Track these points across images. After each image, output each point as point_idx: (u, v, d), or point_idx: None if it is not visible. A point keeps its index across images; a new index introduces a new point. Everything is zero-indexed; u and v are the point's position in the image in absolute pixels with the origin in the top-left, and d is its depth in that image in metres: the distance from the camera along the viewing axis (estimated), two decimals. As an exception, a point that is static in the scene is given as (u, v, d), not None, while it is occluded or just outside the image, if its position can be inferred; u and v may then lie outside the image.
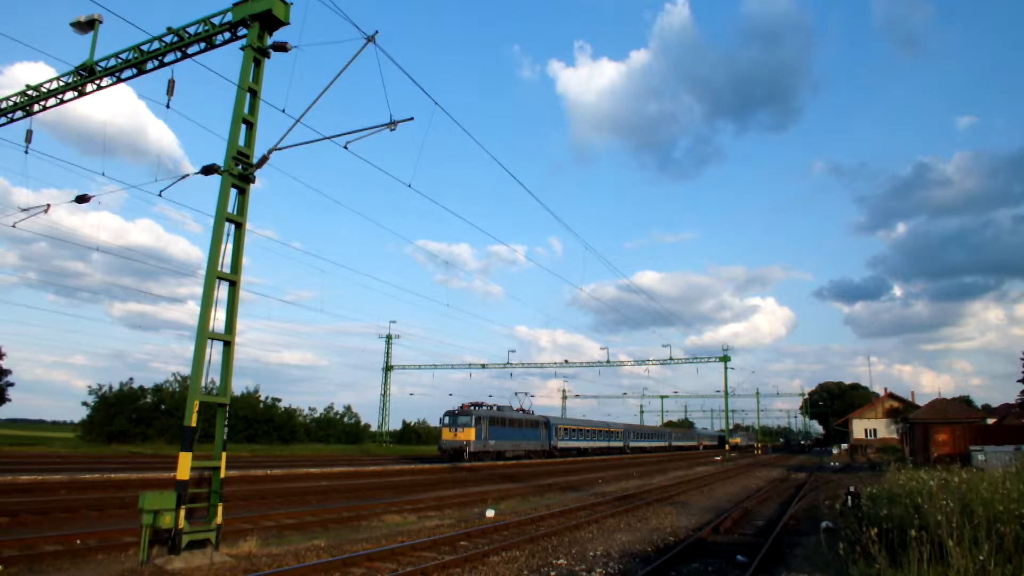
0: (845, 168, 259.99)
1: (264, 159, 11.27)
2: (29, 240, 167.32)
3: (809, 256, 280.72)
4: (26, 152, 14.90)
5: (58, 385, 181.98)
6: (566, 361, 69.50)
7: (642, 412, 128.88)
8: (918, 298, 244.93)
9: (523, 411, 52.29)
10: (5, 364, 51.83)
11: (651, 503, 19.87)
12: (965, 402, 75.90)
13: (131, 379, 60.62)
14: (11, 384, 53.02)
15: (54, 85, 13.82)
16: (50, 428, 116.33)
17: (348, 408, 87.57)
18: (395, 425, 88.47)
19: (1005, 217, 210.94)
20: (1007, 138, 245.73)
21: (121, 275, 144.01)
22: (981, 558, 6.19)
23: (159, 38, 12.16)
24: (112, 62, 12.88)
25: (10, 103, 14.47)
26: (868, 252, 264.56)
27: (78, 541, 10.88)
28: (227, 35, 11.57)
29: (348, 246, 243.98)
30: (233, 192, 10.86)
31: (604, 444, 66.43)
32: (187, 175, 12.45)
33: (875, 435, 75.03)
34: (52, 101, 14.08)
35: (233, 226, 10.86)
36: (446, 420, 42.84)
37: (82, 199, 14.69)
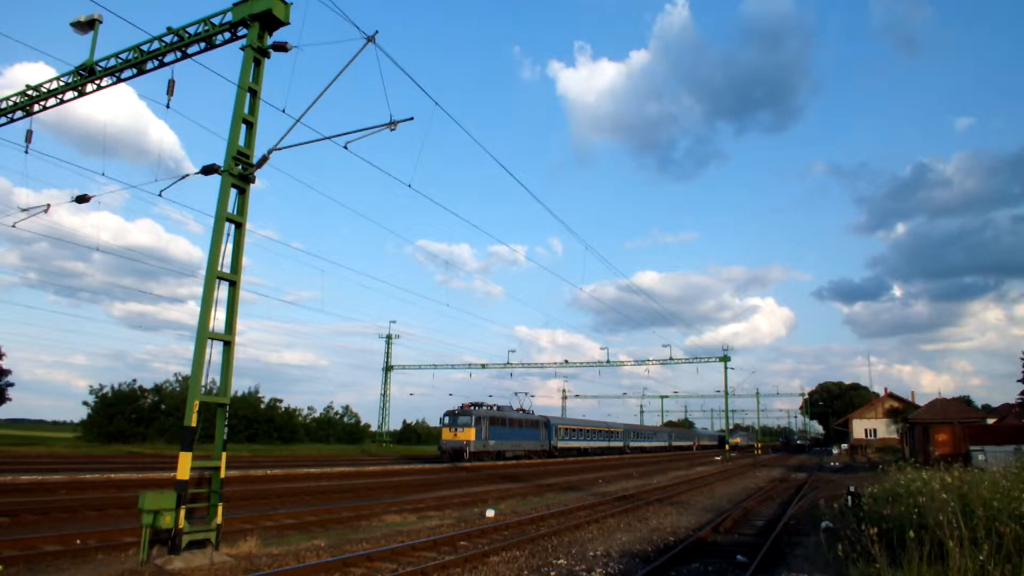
0: (845, 168, 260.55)
1: (264, 159, 11.27)
2: (29, 240, 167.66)
3: (809, 256, 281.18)
4: (26, 152, 14.91)
5: (58, 385, 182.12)
6: (566, 361, 69.53)
7: (642, 412, 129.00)
8: (918, 298, 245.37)
9: (523, 411, 52.29)
10: (5, 364, 51.93)
11: (651, 503, 19.86)
12: (965, 402, 75.89)
13: (133, 380, 60.68)
14: (11, 384, 53.11)
15: (54, 85, 13.81)
16: (50, 428, 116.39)
17: (348, 408, 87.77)
18: (395, 425, 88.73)
19: (1004, 217, 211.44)
20: (1006, 138, 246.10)
21: (121, 275, 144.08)
22: (981, 558, 6.19)
23: (159, 38, 12.15)
24: (112, 62, 12.87)
25: (10, 103, 14.46)
26: (868, 252, 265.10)
27: (78, 541, 10.88)
28: (227, 35, 11.57)
29: (348, 246, 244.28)
30: (233, 192, 10.86)
31: (604, 444, 66.43)
32: (187, 175, 12.46)
33: (875, 435, 75.03)
34: (52, 101, 14.07)
35: (233, 226, 10.85)
36: (446, 420, 42.84)
37: (82, 199, 14.68)
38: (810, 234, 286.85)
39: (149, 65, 12.58)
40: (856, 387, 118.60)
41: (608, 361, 65.92)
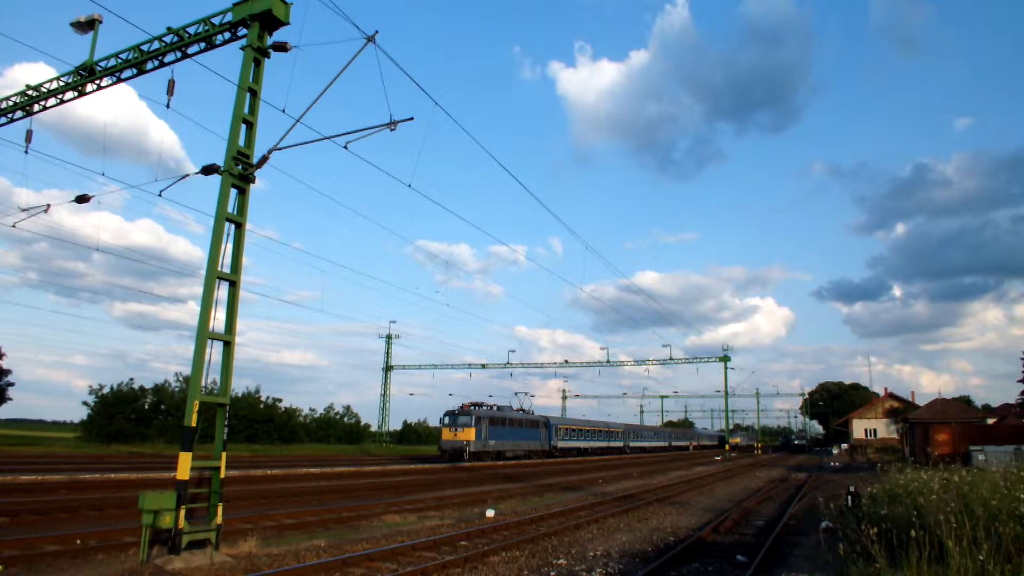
0: (844, 168, 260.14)
1: (264, 159, 11.27)
2: (30, 240, 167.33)
3: (809, 256, 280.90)
4: (26, 152, 14.91)
5: (58, 385, 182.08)
6: (566, 361, 69.62)
7: (642, 412, 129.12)
8: (917, 298, 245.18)
9: (523, 411, 52.30)
10: (5, 364, 51.88)
11: (651, 503, 19.87)
12: (965, 402, 75.99)
13: (131, 379, 60.65)
14: (11, 384, 53.07)
15: (54, 85, 13.81)
16: (50, 428, 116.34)
17: (348, 408, 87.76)
18: (395, 425, 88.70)
19: (1004, 217, 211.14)
20: (1006, 138, 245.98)
21: (122, 275, 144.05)
22: (980, 558, 6.19)
23: (159, 38, 12.15)
24: (112, 62, 12.88)
25: (10, 103, 14.47)
26: (867, 252, 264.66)
27: (78, 541, 10.88)
28: (227, 35, 11.57)
29: (348, 246, 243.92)
30: (233, 192, 10.86)
31: (604, 444, 66.45)
32: (187, 175, 12.45)
33: (875, 435, 75.06)
34: (52, 101, 14.07)
35: (233, 226, 10.86)
36: (446, 420, 42.85)
37: (82, 199, 14.69)
38: (810, 234, 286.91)
39: (149, 65, 12.58)
40: (856, 387, 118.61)
41: (608, 361, 66.05)
